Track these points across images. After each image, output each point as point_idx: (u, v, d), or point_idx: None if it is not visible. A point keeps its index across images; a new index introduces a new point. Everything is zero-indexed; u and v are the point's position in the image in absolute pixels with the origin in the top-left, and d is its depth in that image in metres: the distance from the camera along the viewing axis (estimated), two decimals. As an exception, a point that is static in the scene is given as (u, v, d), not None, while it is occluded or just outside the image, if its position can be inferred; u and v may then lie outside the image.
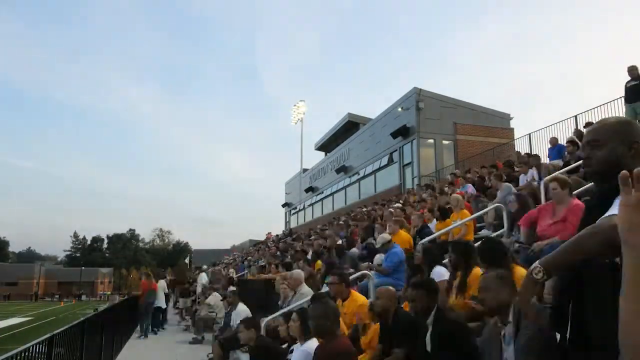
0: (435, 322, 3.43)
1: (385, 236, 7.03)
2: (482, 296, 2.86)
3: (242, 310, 8.02)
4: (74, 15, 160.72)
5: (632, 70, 9.87)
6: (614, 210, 1.33)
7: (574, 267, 1.39)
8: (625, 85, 10.04)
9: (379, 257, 7.21)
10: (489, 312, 2.92)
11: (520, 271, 3.66)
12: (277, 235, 30.51)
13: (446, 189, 12.09)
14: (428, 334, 3.42)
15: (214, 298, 11.61)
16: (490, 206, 7.21)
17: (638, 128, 1.61)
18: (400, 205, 12.43)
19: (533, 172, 8.56)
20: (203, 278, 16.92)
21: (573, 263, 1.36)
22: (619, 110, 11.25)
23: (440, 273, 4.80)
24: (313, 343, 3.91)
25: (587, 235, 1.34)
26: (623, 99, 10.43)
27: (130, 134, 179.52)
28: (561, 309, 1.44)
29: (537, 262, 1.45)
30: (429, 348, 3.36)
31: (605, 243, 1.26)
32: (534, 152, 12.67)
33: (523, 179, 8.58)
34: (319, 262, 9.41)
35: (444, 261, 5.14)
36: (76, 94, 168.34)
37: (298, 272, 7.24)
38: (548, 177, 6.18)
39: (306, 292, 6.74)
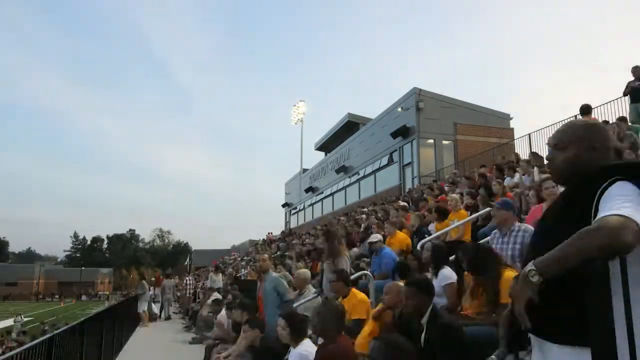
0: (430, 323, 3.41)
1: (377, 235, 7.08)
2: None
3: None
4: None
5: (635, 70, 9.86)
6: (605, 211, 1.32)
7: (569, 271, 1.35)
8: (630, 86, 10.00)
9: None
10: None
11: (510, 275, 3.65)
12: (270, 233, 30.45)
13: (446, 188, 12.08)
14: (422, 334, 3.41)
15: (214, 298, 11.60)
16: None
17: (602, 132, 1.64)
18: (404, 204, 12.35)
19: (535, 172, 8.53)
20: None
21: (572, 266, 1.33)
22: (619, 110, 11.24)
23: (447, 275, 4.75)
24: (307, 345, 3.93)
25: (586, 236, 1.30)
26: (628, 98, 10.37)
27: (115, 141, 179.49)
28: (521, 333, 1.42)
29: (531, 263, 1.39)
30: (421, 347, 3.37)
31: (604, 245, 1.25)
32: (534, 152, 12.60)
33: (526, 181, 8.52)
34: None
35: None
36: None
37: (304, 272, 7.05)
38: (544, 176, 6.16)
39: (311, 292, 6.58)
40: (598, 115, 12.19)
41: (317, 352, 3.68)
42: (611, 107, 11.95)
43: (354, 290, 5.28)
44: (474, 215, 7.24)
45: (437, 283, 4.68)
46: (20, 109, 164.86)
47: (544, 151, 12.03)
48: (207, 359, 7.06)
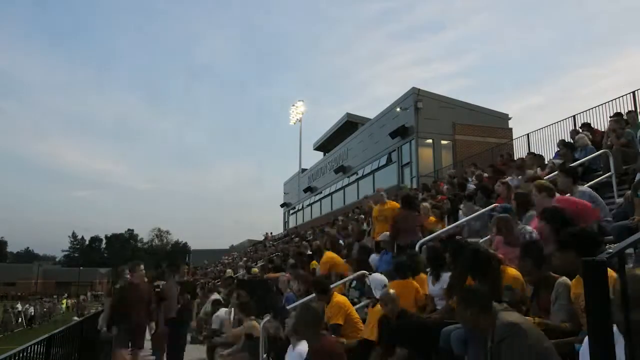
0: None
1: (385, 234, 7.02)
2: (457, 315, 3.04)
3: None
4: None
5: None
6: None
7: None
8: None
9: (373, 258, 7.22)
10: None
11: (510, 272, 3.66)
12: (268, 233, 30.45)
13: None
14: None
15: (214, 298, 11.58)
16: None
17: None
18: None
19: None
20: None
21: None
22: (618, 110, 11.24)
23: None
24: (305, 346, 3.91)
25: None
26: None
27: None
28: None
29: None
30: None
31: None
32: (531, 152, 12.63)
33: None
34: (315, 262, 9.42)
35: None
36: None
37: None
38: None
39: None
40: (594, 116, 12.22)
41: (308, 351, 3.73)
42: (608, 108, 11.97)
43: (335, 295, 5.29)
44: (455, 224, 7.31)
45: (439, 286, 4.66)
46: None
47: (542, 151, 12.10)
48: (210, 358, 7.07)
